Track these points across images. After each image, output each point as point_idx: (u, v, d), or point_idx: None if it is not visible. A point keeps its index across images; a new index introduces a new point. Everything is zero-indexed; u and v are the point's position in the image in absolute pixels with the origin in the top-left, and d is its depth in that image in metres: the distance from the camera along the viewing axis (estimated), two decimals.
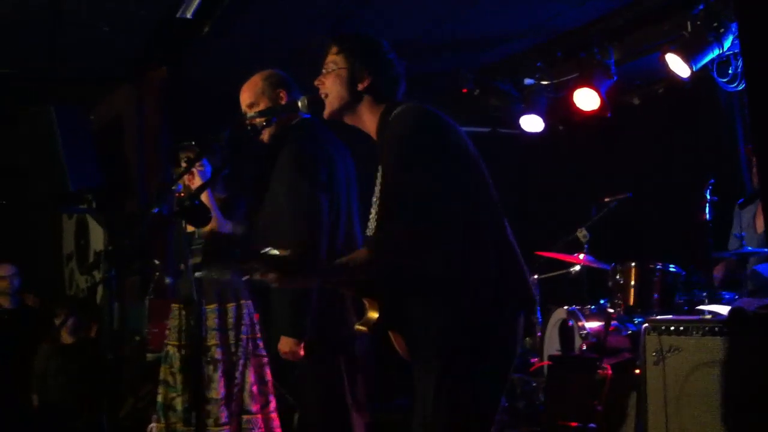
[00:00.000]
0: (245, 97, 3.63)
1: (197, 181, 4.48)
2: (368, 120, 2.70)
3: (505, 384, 2.56)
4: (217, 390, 4.37)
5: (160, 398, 4.56)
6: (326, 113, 2.76)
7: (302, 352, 3.37)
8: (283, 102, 3.55)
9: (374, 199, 2.70)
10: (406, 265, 2.49)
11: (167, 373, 4.55)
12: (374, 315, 2.58)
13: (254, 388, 4.43)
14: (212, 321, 4.44)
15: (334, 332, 3.47)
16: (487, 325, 2.44)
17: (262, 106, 3.54)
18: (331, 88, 2.72)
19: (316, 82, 2.79)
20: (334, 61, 2.72)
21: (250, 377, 4.43)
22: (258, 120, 3.33)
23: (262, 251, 2.44)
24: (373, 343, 3.46)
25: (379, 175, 2.68)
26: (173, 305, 4.62)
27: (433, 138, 2.50)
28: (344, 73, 2.69)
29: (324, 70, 2.75)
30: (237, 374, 4.39)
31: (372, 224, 2.68)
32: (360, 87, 2.68)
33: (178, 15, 5.36)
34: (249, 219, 4.54)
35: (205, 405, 4.28)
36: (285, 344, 3.38)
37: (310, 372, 3.49)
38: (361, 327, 2.61)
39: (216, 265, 2.72)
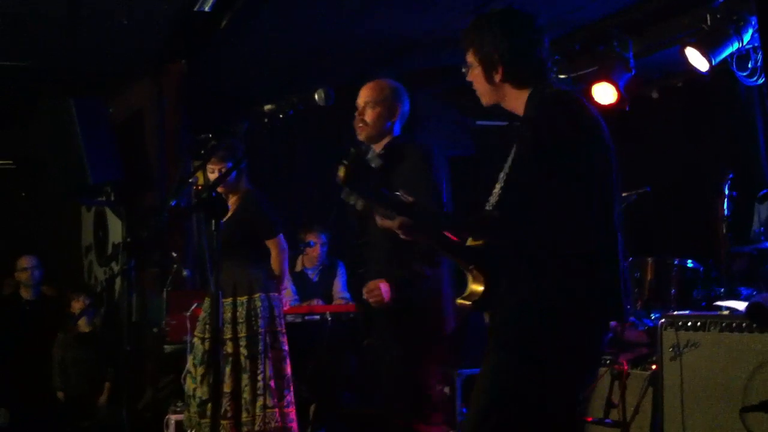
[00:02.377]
0: (367, 94, 3.72)
1: (216, 174, 4.51)
2: (517, 106, 2.72)
3: (575, 391, 2.59)
4: (228, 383, 4.40)
5: (186, 388, 4.62)
6: (484, 106, 2.81)
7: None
8: (395, 119, 3.71)
9: (501, 175, 2.74)
10: (515, 246, 2.54)
11: (192, 364, 4.60)
12: (478, 288, 2.58)
13: (272, 383, 4.45)
14: (228, 314, 4.47)
15: None
16: (573, 331, 2.47)
17: (377, 110, 3.68)
18: (476, 86, 2.77)
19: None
20: (469, 60, 2.76)
21: (269, 371, 4.45)
22: (276, 111, 3.37)
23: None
24: None
25: (513, 151, 2.72)
26: (206, 298, 4.64)
27: (567, 133, 2.51)
28: (479, 71, 2.72)
29: (468, 72, 2.79)
30: (260, 367, 4.41)
31: (493, 199, 2.72)
32: (497, 78, 2.69)
33: (196, 8, 5.38)
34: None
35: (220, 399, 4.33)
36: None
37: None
38: (463, 301, 2.62)
39: (357, 191, 2.80)
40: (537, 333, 2.47)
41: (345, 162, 3.43)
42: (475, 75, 2.74)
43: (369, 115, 3.65)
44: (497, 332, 2.56)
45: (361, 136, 3.69)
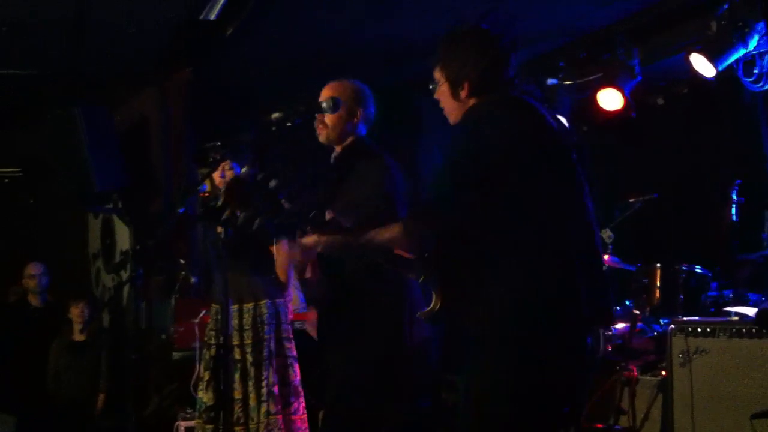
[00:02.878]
0: (329, 94, 3.57)
1: (230, 173, 4.53)
2: None
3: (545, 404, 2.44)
4: (238, 390, 4.41)
5: (198, 395, 4.64)
6: (451, 124, 2.78)
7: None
8: (356, 120, 3.57)
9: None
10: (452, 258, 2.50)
11: (203, 371, 4.62)
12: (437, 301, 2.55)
13: (275, 389, 4.45)
14: (234, 321, 4.47)
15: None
16: (523, 344, 2.38)
17: (338, 111, 3.54)
18: (443, 103, 2.75)
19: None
20: (436, 77, 2.74)
21: (272, 378, 4.45)
22: (283, 119, 3.39)
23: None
24: None
25: None
26: (213, 305, 4.65)
27: (488, 143, 2.47)
28: (445, 88, 2.71)
29: (436, 89, 2.77)
30: (264, 374, 4.42)
31: None
32: (463, 95, 2.67)
33: (201, 17, 5.40)
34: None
35: (230, 405, 4.33)
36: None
37: None
38: (421, 315, 2.59)
39: (259, 212, 2.68)
40: (493, 348, 2.40)
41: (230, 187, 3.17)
42: (442, 92, 2.72)
43: (329, 117, 3.52)
44: (464, 349, 2.51)
45: (321, 138, 3.57)
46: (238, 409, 4.40)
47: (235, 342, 4.47)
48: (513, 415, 2.39)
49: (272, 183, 3.35)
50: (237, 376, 4.42)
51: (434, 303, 2.54)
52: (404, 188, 3.51)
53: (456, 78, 2.66)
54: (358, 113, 3.56)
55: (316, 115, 3.55)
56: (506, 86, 2.67)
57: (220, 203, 3.38)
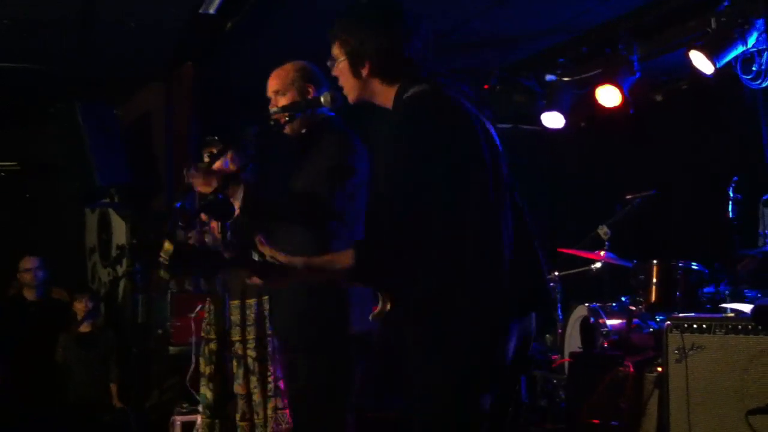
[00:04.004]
0: (274, 83, 3.56)
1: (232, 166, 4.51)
2: (386, 102, 2.59)
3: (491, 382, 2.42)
4: (242, 385, 4.41)
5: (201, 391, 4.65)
6: (351, 103, 2.70)
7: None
8: (309, 97, 3.50)
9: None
10: (389, 269, 2.42)
11: (204, 366, 4.63)
12: (388, 305, 2.51)
13: (281, 383, 4.45)
14: (236, 316, 4.47)
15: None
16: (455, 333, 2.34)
17: (288, 96, 3.49)
18: (343, 82, 2.65)
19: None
20: (335, 54, 2.63)
21: (278, 372, 4.46)
22: (281, 115, 3.37)
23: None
24: None
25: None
26: (209, 299, 4.64)
27: (421, 138, 2.39)
28: (345, 65, 2.59)
29: (334, 66, 2.66)
30: (269, 369, 4.42)
31: None
32: (364, 73, 2.56)
33: (200, 11, 5.40)
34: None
35: (232, 399, 4.33)
36: None
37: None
38: (373, 317, 2.55)
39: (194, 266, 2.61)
40: (425, 345, 2.38)
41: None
42: (341, 69, 2.60)
43: (281, 104, 3.42)
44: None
45: (287, 130, 3.45)
46: (243, 404, 4.40)
47: (237, 338, 4.46)
48: (451, 404, 2.37)
49: (208, 239, 3.30)
50: (240, 372, 4.42)
51: (384, 304, 2.51)
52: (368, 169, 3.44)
53: (356, 54, 2.54)
54: (311, 91, 3.49)
55: (268, 107, 3.48)
56: (413, 66, 2.55)
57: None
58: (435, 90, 2.51)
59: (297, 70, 3.56)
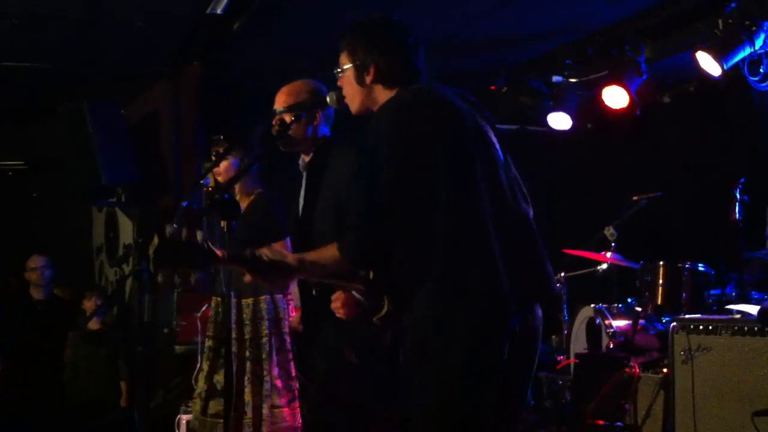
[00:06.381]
0: (284, 99, 3.50)
1: (227, 176, 4.51)
2: None
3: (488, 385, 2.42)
4: (236, 383, 4.42)
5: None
6: (354, 113, 2.76)
7: None
8: (315, 123, 3.49)
9: None
10: (376, 264, 2.47)
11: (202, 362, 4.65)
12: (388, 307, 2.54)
13: (278, 382, 4.46)
14: (235, 316, 4.48)
15: None
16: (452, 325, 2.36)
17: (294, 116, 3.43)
18: (346, 90, 2.74)
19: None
20: (341, 62, 2.72)
21: (275, 371, 4.46)
22: (287, 115, 3.37)
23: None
24: None
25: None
26: (213, 298, 4.66)
27: (404, 137, 2.43)
28: (351, 72, 2.68)
29: (339, 75, 2.75)
30: (265, 368, 4.43)
31: None
32: (368, 80, 2.66)
33: (208, 11, 5.41)
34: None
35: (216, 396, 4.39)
36: None
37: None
38: (376, 320, 2.57)
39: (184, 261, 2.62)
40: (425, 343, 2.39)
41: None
42: (346, 77, 2.71)
43: (287, 120, 3.34)
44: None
45: (281, 146, 3.45)
46: (238, 401, 4.41)
47: (234, 336, 4.47)
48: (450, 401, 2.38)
49: (199, 236, 3.30)
50: (235, 368, 4.43)
51: (385, 307, 2.53)
52: None
53: (363, 61, 2.65)
54: (318, 115, 3.47)
55: (272, 122, 3.42)
56: (413, 75, 2.65)
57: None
58: (423, 88, 2.59)
59: (309, 90, 3.51)
